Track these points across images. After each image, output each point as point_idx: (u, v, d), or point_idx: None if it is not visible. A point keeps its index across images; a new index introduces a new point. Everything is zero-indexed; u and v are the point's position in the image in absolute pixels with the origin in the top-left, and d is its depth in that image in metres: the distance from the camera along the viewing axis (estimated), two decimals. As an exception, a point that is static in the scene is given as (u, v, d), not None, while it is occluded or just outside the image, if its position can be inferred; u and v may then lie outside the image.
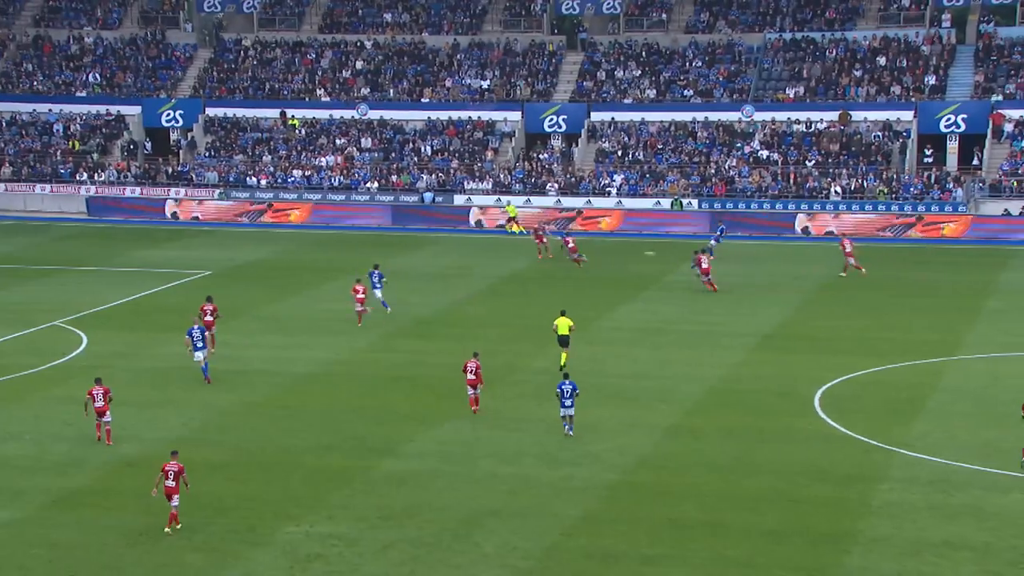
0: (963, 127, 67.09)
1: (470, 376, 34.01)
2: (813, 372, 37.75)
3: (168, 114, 76.15)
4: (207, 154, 74.23)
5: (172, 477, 26.71)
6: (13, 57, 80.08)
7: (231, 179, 71.68)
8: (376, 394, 36.24)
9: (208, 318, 39.81)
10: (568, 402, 32.03)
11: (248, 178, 71.47)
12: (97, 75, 78.75)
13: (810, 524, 27.00)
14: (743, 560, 25.37)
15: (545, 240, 56.88)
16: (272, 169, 72.12)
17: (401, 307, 46.48)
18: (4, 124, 76.27)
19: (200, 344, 36.99)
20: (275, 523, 27.09)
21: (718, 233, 57.61)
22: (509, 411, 34.30)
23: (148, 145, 75.79)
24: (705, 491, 28.75)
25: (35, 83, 78.33)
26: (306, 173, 71.46)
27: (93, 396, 31.71)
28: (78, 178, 72.46)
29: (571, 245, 54.89)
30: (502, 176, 69.68)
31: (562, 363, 37.51)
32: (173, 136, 76.78)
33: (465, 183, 69.60)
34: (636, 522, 27.15)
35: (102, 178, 72.59)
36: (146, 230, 66.73)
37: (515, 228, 64.09)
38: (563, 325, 38.35)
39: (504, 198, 67.50)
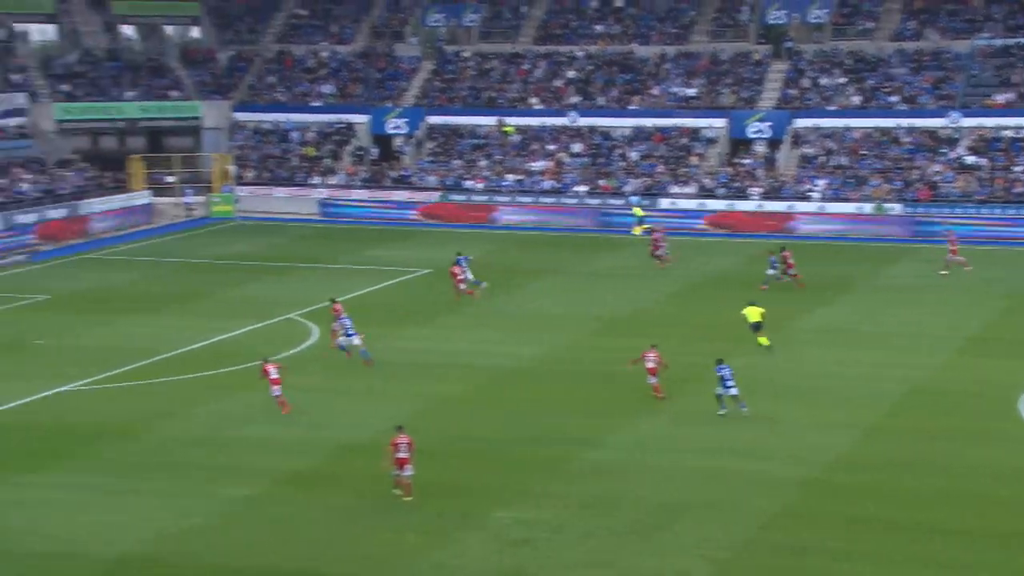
0: None
1: (650, 365, 34.19)
2: (1015, 376, 36.08)
3: (393, 122, 77.90)
4: (428, 159, 75.62)
5: (404, 449, 27.47)
6: (258, 71, 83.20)
7: (449, 182, 72.82)
8: (578, 389, 36.25)
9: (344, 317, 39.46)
10: (730, 383, 32.66)
11: (465, 181, 72.50)
12: (331, 86, 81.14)
13: (1005, 526, 25.79)
14: (940, 560, 24.40)
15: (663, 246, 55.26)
16: (488, 173, 72.99)
17: (602, 306, 46.50)
18: (249, 132, 79.33)
19: (352, 332, 38.49)
20: (486, 509, 27.34)
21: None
22: (707, 407, 33.84)
23: (375, 151, 77.67)
24: (902, 491, 27.79)
25: (276, 94, 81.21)
26: (519, 177, 72.05)
27: (267, 372, 33.65)
28: (312, 181, 74.81)
29: (658, 241, 54.39)
30: (706, 181, 68.86)
31: (762, 343, 38.16)
32: (397, 142, 78.52)
33: (669, 187, 69.04)
34: (831, 519, 26.43)
35: (333, 181, 74.76)
36: (373, 230, 68.40)
37: (636, 230, 62.67)
38: (753, 313, 38.45)
39: (633, 198, 66.74)
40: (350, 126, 78.63)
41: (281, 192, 74.23)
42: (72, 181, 68.79)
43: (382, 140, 78.51)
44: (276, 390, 34.13)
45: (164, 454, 30.69)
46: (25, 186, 65.55)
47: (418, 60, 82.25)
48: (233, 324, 44.08)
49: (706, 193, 68.01)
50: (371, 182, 74.32)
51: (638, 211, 64.91)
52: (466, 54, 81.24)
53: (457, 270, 48.22)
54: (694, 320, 44.41)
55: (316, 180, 74.78)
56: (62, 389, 36.35)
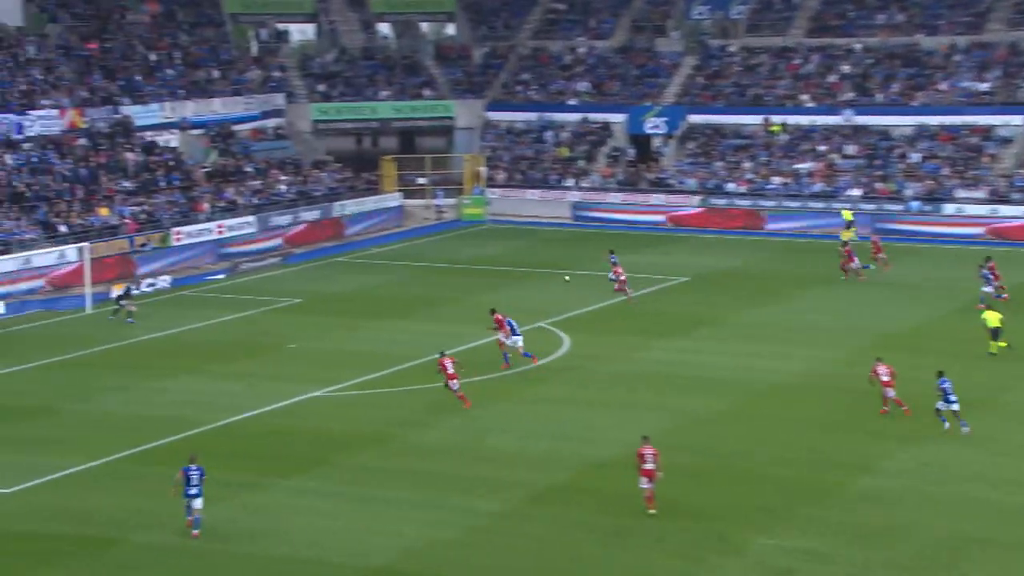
0: None
1: (884, 379, 34.03)
2: None
3: (651, 121, 77.81)
4: (687, 160, 75.18)
5: (651, 460, 27.84)
6: (513, 69, 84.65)
7: (710, 185, 72.18)
8: (847, 408, 35.24)
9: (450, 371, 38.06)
10: (952, 397, 32.50)
11: (727, 184, 71.71)
12: (587, 84, 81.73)
13: None
14: None
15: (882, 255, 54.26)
16: (752, 176, 71.97)
17: (880, 319, 45.11)
18: (502, 132, 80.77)
19: (517, 332, 40.25)
20: (746, 533, 26.91)
21: None
22: (993, 434, 32.31)
23: (631, 152, 77.78)
24: None
25: (530, 92, 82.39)
26: (786, 180, 70.74)
27: (444, 366, 35.32)
28: (565, 184, 75.49)
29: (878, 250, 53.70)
30: (1000, 184, 65.84)
31: (995, 347, 38.92)
32: (655, 143, 78.38)
33: (955, 191, 66.36)
34: None
35: (587, 184, 75.25)
36: (627, 235, 68.46)
37: (844, 235, 60.40)
38: (992, 319, 39.05)
39: (837, 204, 65.34)
40: (606, 126, 78.99)
41: (533, 194, 75.21)
42: (326, 183, 71.68)
43: (639, 140, 78.56)
44: (454, 384, 35.73)
45: (413, 463, 31.50)
46: (282, 187, 68.70)
47: (680, 55, 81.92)
48: (482, 331, 44.92)
49: (999, 198, 65.06)
50: (627, 184, 74.43)
51: (847, 215, 63.08)
52: (732, 48, 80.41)
53: (620, 270, 49.97)
54: (975, 337, 42.53)
55: (569, 182, 75.44)
56: (314, 394, 37.85)
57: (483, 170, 76.15)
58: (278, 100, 77.53)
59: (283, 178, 69.91)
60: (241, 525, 27.53)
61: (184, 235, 60.40)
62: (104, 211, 59.10)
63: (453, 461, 31.67)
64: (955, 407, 32.61)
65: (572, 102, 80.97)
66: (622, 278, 49.95)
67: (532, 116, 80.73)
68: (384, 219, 71.94)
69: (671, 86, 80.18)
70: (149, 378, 39.57)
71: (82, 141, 64.03)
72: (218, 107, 72.95)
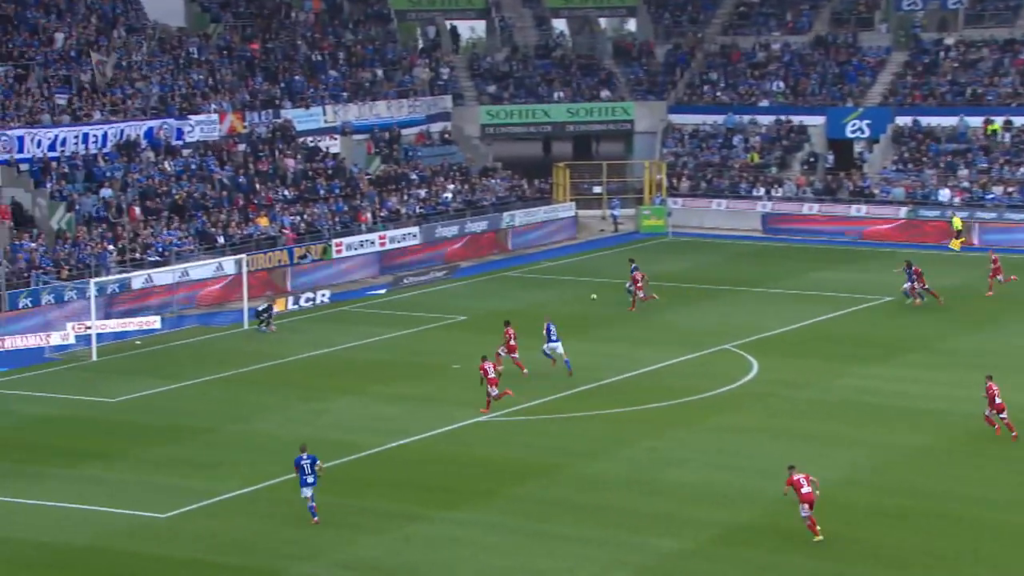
0: None
1: (998, 401, 34.66)
2: None
3: (853, 124, 76.70)
4: (893, 167, 73.87)
5: (807, 484, 28.45)
6: (699, 67, 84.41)
7: (919, 195, 70.79)
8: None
9: (512, 342, 41.95)
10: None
11: (939, 193, 70.19)
12: (780, 83, 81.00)
13: None
14: None
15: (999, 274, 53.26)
16: (968, 184, 70.32)
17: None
18: (685, 137, 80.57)
19: (555, 337, 42.56)
20: (956, 584, 26.45)
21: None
22: None
23: (830, 158, 76.76)
24: None
25: (718, 93, 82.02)
26: (1010, 189, 68.91)
27: (485, 371, 37.48)
28: (755, 193, 74.91)
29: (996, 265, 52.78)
30: None
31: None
32: (857, 148, 77.21)
33: None
34: None
35: (779, 194, 74.52)
36: (824, 250, 67.60)
37: (954, 244, 60.22)
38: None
39: (949, 212, 65.46)
40: (802, 129, 78.16)
41: (719, 205, 74.84)
42: (494, 191, 72.54)
43: (839, 145, 77.56)
44: (493, 390, 38.18)
45: (585, 496, 31.67)
46: (447, 196, 69.80)
47: (887, 51, 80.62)
48: (661, 353, 44.89)
49: None
50: (825, 194, 73.50)
51: (957, 222, 62.07)
52: (948, 42, 78.74)
53: (637, 276, 52.03)
54: None
55: (760, 192, 74.85)
56: (480, 419, 38.38)
57: (663, 178, 76.06)
58: (445, 103, 78.83)
59: (449, 186, 71.02)
60: (404, 559, 28.09)
61: (345, 246, 61.86)
62: (263, 221, 60.93)
63: (628, 495, 31.75)
64: None
65: (764, 103, 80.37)
66: (639, 285, 51.95)
67: (720, 119, 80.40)
68: (556, 231, 72.43)
69: (876, 85, 78.93)
70: (309, 398, 40.63)
71: (241, 147, 66.14)
72: (382, 110, 74.54)
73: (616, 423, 37.79)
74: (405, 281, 59.80)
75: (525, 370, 41.66)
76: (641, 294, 52.25)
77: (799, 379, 42.05)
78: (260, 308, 50.44)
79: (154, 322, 50.08)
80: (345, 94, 73.91)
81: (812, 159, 76.51)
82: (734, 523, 29.85)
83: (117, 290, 52.45)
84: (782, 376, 42.32)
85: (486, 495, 31.92)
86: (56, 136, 58.96)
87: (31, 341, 47.51)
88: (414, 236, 65.28)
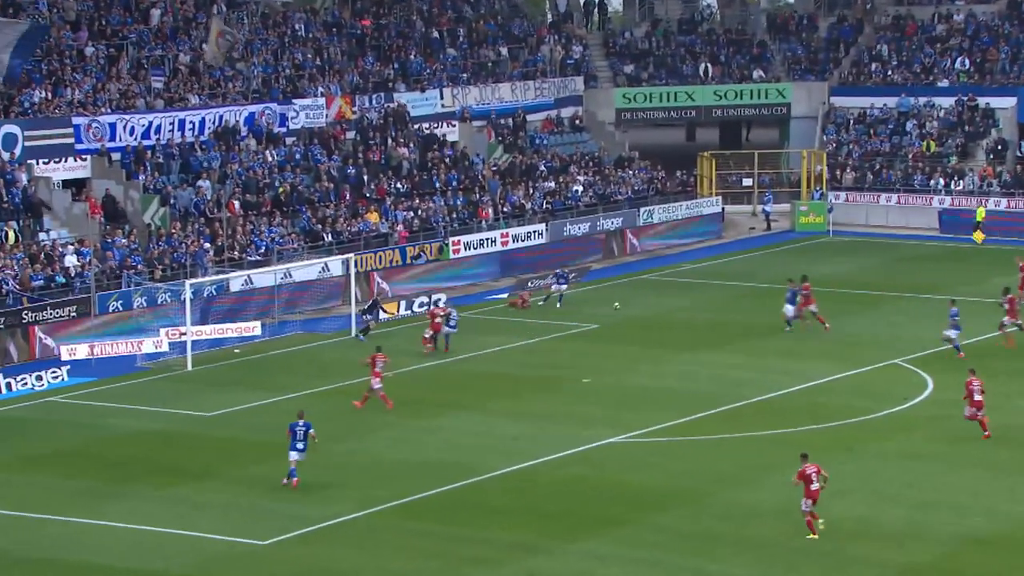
0: None
1: (977, 397, 37.46)
2: None
3: (1049, 106, 75.32)
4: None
5: (815, 480, 30.46)
6: (868, 43, 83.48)
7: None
8: None
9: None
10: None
11: None
12: (964, 59, 79.76)
13: None
14: None
15: None
16: None
17: None
18: (850, 122, 79.73)
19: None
20: None
21: None
22: None
23: (1023, 146, 75.40)
24: None
25: (890, 72, 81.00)
26: None
27: (374, 362, 40.04)
28: (931, 186, 73.90)
29: None
30: None
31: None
32: (1053, 134, 75.90)
33: None
34: None
35: (960, 187, 73.40)
36: (1011, 252, 66.32)
37: (977, 237, 60.75)
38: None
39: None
40: (989, 112, 76.97)
41: (889, 200, 73.97)
42: (631, 184, 72.50)
43: (1032, 131, 76.26)
44: (376, 383, 40.22)
45: (734, 528, 31.58)
46: (578, 189, 69.94)
47: (1093, 17, 79.01)
48: (819, 369, 44.53)
49: None
50: (1015, 187, 72.23)
51: (981, 212, 63.14)
52: None
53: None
54: None
55: (937, 184, 73.81)
56: (612, 440, 38.44)
57: (824, 169, 75.38)
58: (576, 84, 79.01)
59: (580, 178, 71.14)
60: (525, 595, 28.31)
61: (463, 245, 62.31)
62: (374, 217, 61.65)
63: (785, 528, 31.56)
64: None
65: (944, 83, 79.21)
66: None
67: (891, 101, 79.50)
68: (700, 229, 72.18)
69: (1076, 61, 77.40)
70: (421, 415, 41.05)
71: (350, 134, 66.97)
72: (506, 93, 74.95)
73: (768, 446, 37.61)
74: (529, 284, 60.04)
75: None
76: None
77: (983, 399, 41.35)
78: (365, 306, 51.28)
79: (254, 328, 50.92)
80: (465, 75, 74.45)
81: (1000, 147, 75.24)
82: (905, 564, 29.56)
83: (214, 292, 53.45)
84: (962, 395, 41.63)
85: (619, 524, 31.99)
86: (150, 122, 60.29)
87: (122, 348, 48.62)
88: (540, 234, 65.54)
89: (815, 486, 30.46)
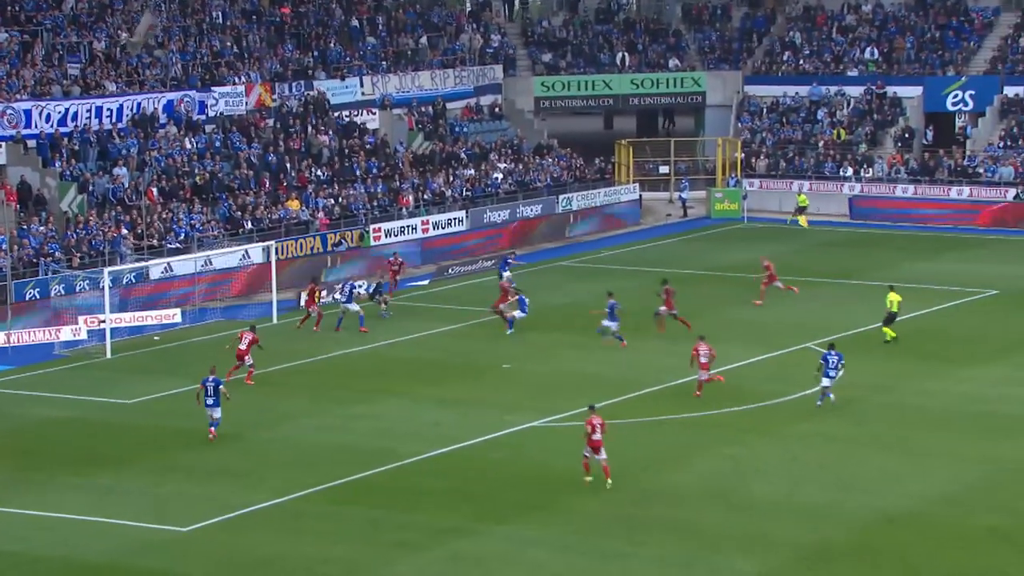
0: None
1: (702, 360, 39.81)
2: None
3: (955, 95, 76.00)
4: (1000, 144, 73.14)
5: (597, 431, 32.60)
6: (780, 32, 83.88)
7: (1029, 176, 70.19)
8: None
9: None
10: (832, 372, 38.34)
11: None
12: (872, 50, 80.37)
13: None
14: None
15: None
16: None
17: None
18: (763, 111, 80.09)
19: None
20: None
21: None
22: None
23: (928, 134, 76.11)
24: None
25: (801, 61, 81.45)
26: None
27: (241, 338, 40.05)
28: (841, 174, 74.39)
29: None
30: None
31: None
32: (959, 122, 76.51)
33: None
34: None
35: (869, 174, 73.97)
36: (919, 238, 67.02)
37: (803, 221, 65.27)
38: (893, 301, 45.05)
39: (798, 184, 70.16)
40: (896, 101, 77.57)
41: (801, 187, 74.37)
42: (549, 171, 72.38)
43: (938, 119, 76.99)
44: (247, 361, 41.91)
45: (654, 510, 31.52)
46: (498, 177, 69.72)
47: (996, 12, 79.86)
48: (735, 352, 44.59)
49: None
50: (921, 175, 72.90)
51: (803, 198, 69.11)
52: (1064, 2, 78.01)
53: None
54: None
55: (847, 172, 74.33)
56: (533, 424, 38.26)
57: (739, 157, 75.69)
58: (495, 73, 78.75)
59: (500, 166, 70.95)
60: (450, 579, 28.06)
61: (384, 232, 61.91)
62: (294, 204, 61.08)
63: (704, 509, 31.59)
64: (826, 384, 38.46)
65: (853, 72, 79.81)
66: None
67: (802, 90, 79.95)
68: (617, 216, 72.23)
69: (982, 51, 78.21)
70: (344, 402, 40.67)
71: (270, 122, 66.33)
72: (426, 81, 74.55)
73: (688, 429, 37.62)
74: (450, 271, 59.79)
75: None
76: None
77: (891, 382, 41.70)
78: (372, 289, 52.22)
79: (174, 316, 50.32)
80: (385, 63, 73.99)
81: (907, 135, 75.89)
82: (822, 542, 29.61)
83: (133, 280, 52.72)
84: (872, 379, 41.93)
85: (543, 508, 31.84)
86: (67, 109, 59.32)
87: (39, 336, 47.86)
88: (460, 221, 65.26)
89: (596, 436, 32.69)
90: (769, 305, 52.11)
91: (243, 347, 42.12)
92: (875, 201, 72.30)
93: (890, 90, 78.04)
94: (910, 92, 77.33)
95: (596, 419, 32.95)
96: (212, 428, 36.82)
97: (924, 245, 64.99)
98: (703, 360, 39.91)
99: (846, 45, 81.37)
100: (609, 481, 32.63)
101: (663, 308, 47.95)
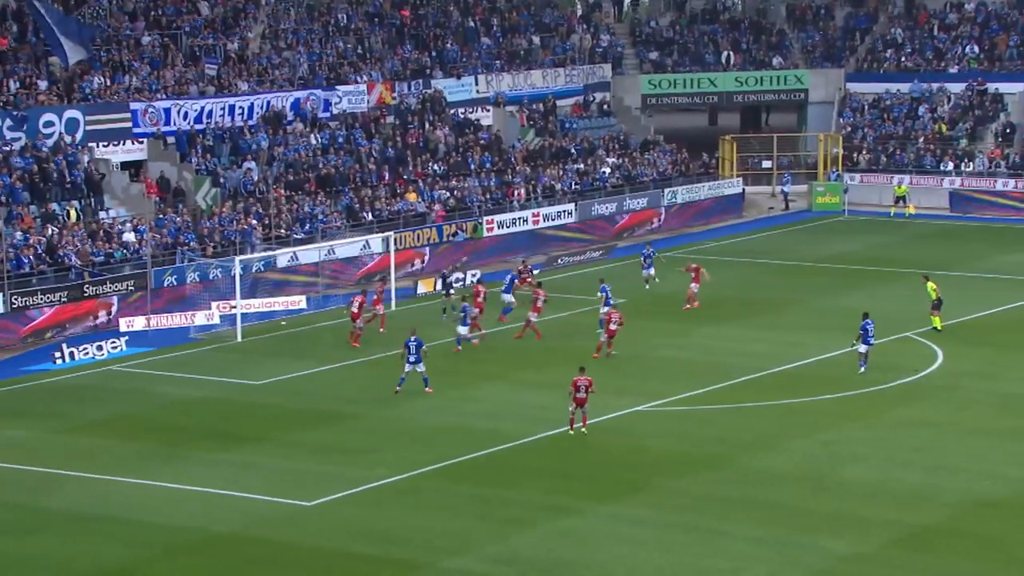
0: None
1: (612, 326, 43.03)
2: None
3: (1056, 91, 74.87)
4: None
5: (583, 390, 34.81)
6: (882, 30, 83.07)
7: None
8: None
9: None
10: (871, 340, 40.23)
11: None
12: (974, 46, 79.32)
13: None
14: None
15: None
16: None
17: None
18: (865, 107, 79.39)
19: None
20: None
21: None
22: None
23: (1032, 130, 75.15)
24: None
25: (903, 58, 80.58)
26: None
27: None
28: (943, 168, 73.57)
29: None
30: None
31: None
32: (1058, 118, 75.48)
33: None
34: None
35: (969, 168, 73.08)
36: (1018, 231, 66.19)
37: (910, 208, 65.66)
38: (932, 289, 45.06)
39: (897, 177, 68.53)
40: (998, 97, 76.51)
41: (902, 180, 73.63)
42: (655, 166, 72.38)
43: (1040, 115, 75.80)
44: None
45: (751, 492, 31.66)
46: (605, 171, 69.87)
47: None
48: (835, 342, 44.46)
49: None
50: (1022, 169, 71.84)
51: (902, 188, 68.25)
52: None
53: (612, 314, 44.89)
54: None
55: (948, 166, 73.49)
56: (638, 408, 38.52)
57: (840, 151, 75.11)
58: (604, 71, 78.85)
59: (608, 160, 71.08)
60: (557, 555, 28.42)
61: (496, 224, 62.36)
62: (412, 196, 61.75)
63: (800, 492, 31.66)
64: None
65: (955, 69, 78.77)
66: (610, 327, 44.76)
67: (904, 87, 79.10)
68: (721, 209, 72.06)
69: (1082, 47, 76.83)
70: (458, 385, 41.18)
71: (390, 119, 67.05)
72: (537, 80, 74.86)
73: (786, 415, 37.67)
74: (559, 261, 60.09)
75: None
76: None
77: (990, 370, 41.44)
78: (446, 282, 51.51)
79: (300, 302, 51.16)
80: (499, 63, 74.40)
81: (1008, 130, 74.81)
82: (914, 525, 29.59)
83: (262, 268, 53.67)
84: (971, 367, 41.68)
85: (645, 489, 32.11)
86: (202, 108, 60.49)
87: (176, 321, 48.90)
88: (570, 214, 65.54)
89: (580, 395, 34.81)
90: (868, 296, 51.82)
91: (355, 310, 45.11)
92: (975, 195, 71.32)
93: (991, 86, 76.96)
94: (1012, 88, 76.21)
95: (582, 379, 35.15)
96: (426, 386, 39.50)
97: (1021, 238, 64.19)
98: (612, 327, 42.91)
99: (948, 42, 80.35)
100: (584, 429, 35.39)
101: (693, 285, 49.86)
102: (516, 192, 65.12)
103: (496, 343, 46.57)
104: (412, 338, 39.58)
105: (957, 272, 56.07)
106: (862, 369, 40.73)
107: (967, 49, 79.34)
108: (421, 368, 39.44)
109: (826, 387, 39.79)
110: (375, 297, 48.45)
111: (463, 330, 45.17)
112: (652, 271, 54.25)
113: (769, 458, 34.05)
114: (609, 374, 42.00)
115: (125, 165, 57.83)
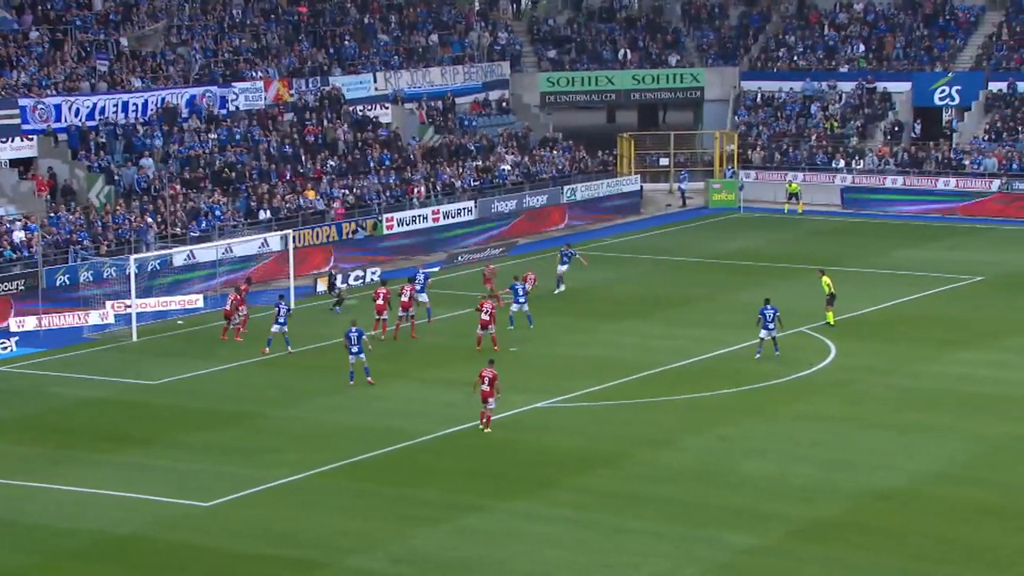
0: None
1: (484, 317, 42.74)
2: None
3: (942, 91, 75.94)
4: (985, 137, 73.07)
5: (487, 382, 34.77)
6: (775, 30, 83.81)
7: (1014, 167, 69.99)
8: None
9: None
10: (770, 326, 40.80)
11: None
12: (863, 46, 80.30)
13: None
14: None
15: None
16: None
17: None
18: (759, 105, 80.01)
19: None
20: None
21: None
22: None
23: (916, 127, 76.04)
24: None
25: (795, 58, 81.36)
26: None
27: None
28: (833, 165, 74.38)
29: None
30: None
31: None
32: (946, 116, 76.47)
33: None
34: None
35: (860, 166, 73.95)
36: (908, 227, 67.06)
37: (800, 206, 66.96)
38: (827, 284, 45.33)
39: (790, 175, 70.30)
40: (886, 96, 77.48)
41: (795, 178, 74.33)
42: (554, 163, 72.36)
43: (926, 113, 76.87)
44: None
45: (653, 488, 31.63)
46: (505, 168, 69.72)
47: (982, 10, 79.68)
48: (731, 336, 44.69)
49: None
50: (910, 166, 72.85)
51: (793, 187, 69.70)
52: (1048, 0, 77.84)
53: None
54: None
55: (839, 164, 74.30)
56: (539, 405, 38.36)
57: (735, 149, 75.64)
58: (503, 69, 78.71)
59: (507, 158, 70.94)
60: (460, 553, 28.16)
61: (396, 221, 61.94)
62: (311, 194, 61.14)
63: (700, 487, 31.68)
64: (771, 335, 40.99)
65: (845, 69, 79.68)
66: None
67: (796, 85, 79.85)
68: (619, 206, 72.21)
69: (968, 48, 78.06)
70: (359, 383, 40.75)
71: (288, 116, 66.36)
72: (436, 77, 74.54)
73: (686, 410, 37.72)
74: (460, 259, 59.82)
75: None
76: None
77: (883, 365, 41.77)
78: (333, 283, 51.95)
79: (196, 301, 50.41)
80: (397, 60, 73.98)
81: (896, 128, 75.84)
82: (813, 518, 29.68)
83: (158, 267, 52.81)
84: (864, 361, 42.02)
85: (547, 485, 31.93)
86: (95, 104, 59.39)
87: (69, 320, 47.95)
88: (469, 211, 65.30)
89: (484, 387, 34.89)
90: (764, 291, 52.05)
91: (405, 299, 45.40)
92: (865, 191, 72.21)
93: (880, 85, 77.95)
94: (899, 88, 77.25)
95: (488, 372, 35.17)
96: (366, 376, 39.77)
97: (911, 234, 65.08)
98: (484, 318, 43.00)
99: (838, 41, 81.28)
100: (488, 429, 35.17)
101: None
102: (416, 190, 64.76)
103: (404, 343, 46.18)
104: (353, 329, 39.87)
105: (851, 268, 56.63)
106: (757, 356, 41.32)
107: (856, 49, 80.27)
108: (363, 357, 39.84)
109: (725, 382, 39.92)
110: (237, 296, 47.43)
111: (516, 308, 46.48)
112: (567, 267, 53.42)
113: (669, 454, 34.05)
114: (513, 370, 41.81)
115: (14, 163, 56.60)
